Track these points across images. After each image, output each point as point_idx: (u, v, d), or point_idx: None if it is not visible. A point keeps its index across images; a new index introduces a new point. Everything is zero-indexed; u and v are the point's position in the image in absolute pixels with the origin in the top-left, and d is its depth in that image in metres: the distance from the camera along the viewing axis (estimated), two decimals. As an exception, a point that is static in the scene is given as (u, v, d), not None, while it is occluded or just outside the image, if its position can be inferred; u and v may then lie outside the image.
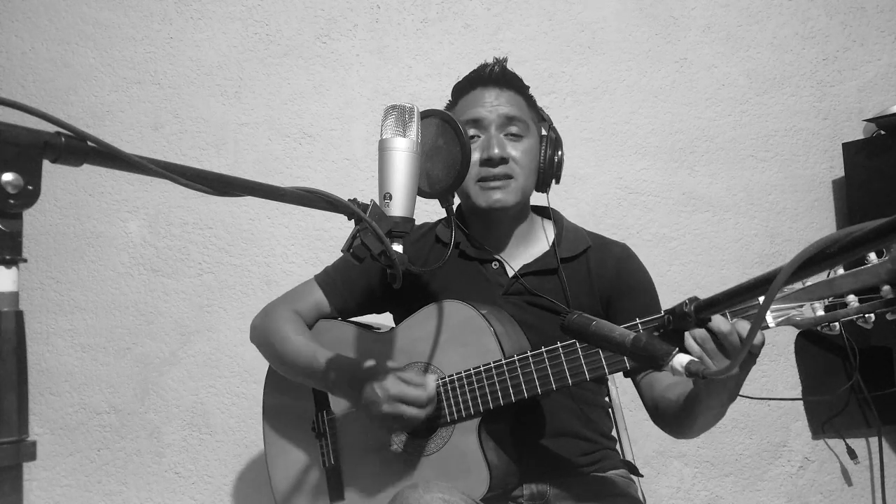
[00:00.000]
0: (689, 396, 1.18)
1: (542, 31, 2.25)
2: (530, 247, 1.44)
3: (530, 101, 1.44)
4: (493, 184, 1.35)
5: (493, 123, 1.36)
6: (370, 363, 1.30)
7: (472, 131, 1.37)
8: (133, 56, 2.21)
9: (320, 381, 1.38)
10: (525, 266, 1.40)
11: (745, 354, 0.76)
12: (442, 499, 1.08)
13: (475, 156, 1.35)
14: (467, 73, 1.45)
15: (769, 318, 0.99)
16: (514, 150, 1.36)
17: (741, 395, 1.13)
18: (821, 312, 0.96)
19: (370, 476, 1.37)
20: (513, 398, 1.23)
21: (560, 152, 1.42)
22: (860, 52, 2.32)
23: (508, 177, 1.35)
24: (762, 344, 0.98)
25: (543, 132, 1.43)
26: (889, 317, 0.92)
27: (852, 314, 0.93)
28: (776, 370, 2.21)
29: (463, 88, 1.43)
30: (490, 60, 1.43)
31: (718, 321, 0.94)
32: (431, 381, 1.25)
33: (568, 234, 1.44)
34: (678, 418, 1.24)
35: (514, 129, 1.37)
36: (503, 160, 1.34)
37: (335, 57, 2.23)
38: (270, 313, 1.45)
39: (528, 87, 1.44)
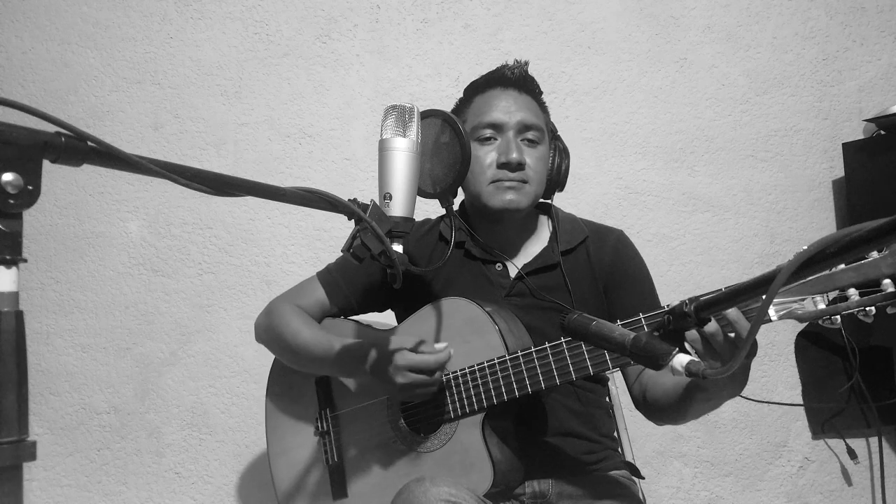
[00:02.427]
0: (688, 388, 1.19)
1: (542, 31, 2.25)
2: (530, 245, 1.45)
3: (544, 109, 1.45)
4: (507, 184, 1.35)
5: (513, 129, 1.36)
6: (383, 344, 1.31)
7: (488, 133, 1.37)
8: (133, 56, 2.21)
9: (335, 368, 1.39)
10: (525, 266, 1.40)
11: (745, 353, 0.76)
12: (448, 492, 1.09)
13: (490, 157, 1.35)
14: (470, 75, 1.45)
15: (771, 311, 0.99)
16: (529, 157, 1.36)
17: (741, 397, 1.14)
18: (822, 306, 0.96)
19: (373, 473, 1.38)
20: (516, 393, 1.24)
21: (567, 162, 1.44)
22: (860, 52, 2.32)
23: (523, 182, 1.36)
24: (754, 353, 0.98)
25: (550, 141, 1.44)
26: (889, 310, 0.92)
27: (853, 307, 0.93)
28: (776, 370, 2.21)
29: (479, 87, 1.43)
30: (510, 62, 1.42)
31: (712, 325, 0.94)
32: (442, 346, 1.28)
33: (565, 226, 1.45)
34: (671, 407, 1.25)
35: (530, 136, 1.38)
36: (520, 165, 1.35)
37: (335, 57, 2.23)
38: (276, 309, 1.46)
39: (542, 94, 1.44)
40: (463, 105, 1.45)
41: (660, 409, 1.30)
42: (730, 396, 1.12)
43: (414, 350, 1.27)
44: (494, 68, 1.43)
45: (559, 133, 1.47)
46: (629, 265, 1.43)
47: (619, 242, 1.45)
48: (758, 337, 0.79)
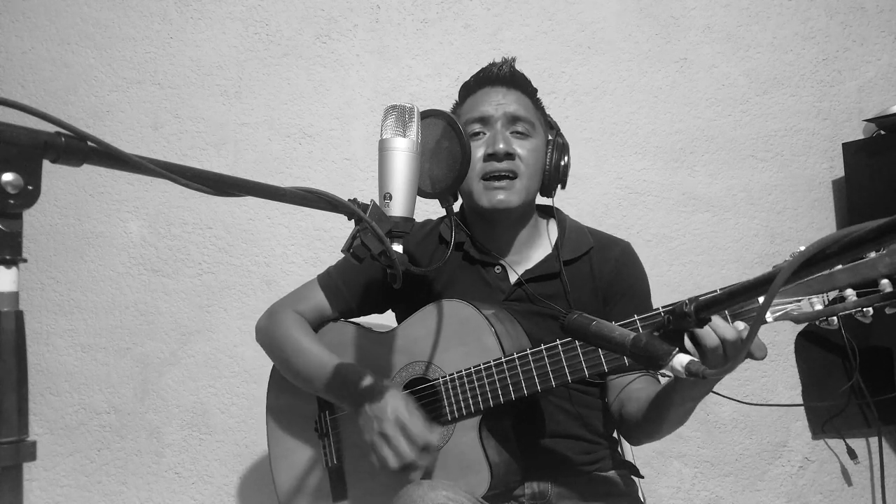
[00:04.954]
0: (658, 395, 1.22)
1: (542, 31, 2.25)
2: (533, 250, 1.44)
3: (538, 104, 1.43)
4: (496, 183, 1.34)
5: (499, 121, 1.36)
6: (377, 382, 1.27)
7: (477, 128, 1.36)
8: (133, 56, 2.21)
9: (326, 393, 1.37)
10: (527, 272, 1.39)
11: (745, 353, 0.76)
12: (447, 496, 1.08)
13: (479, 151, 1.35)
14: (472, 72, 1.45)
15: (767, 313, 0.99)
16: (519, 148, 1.35)
17: (742, 402, 1.15)
18: (819, 307, 0.96)
19: (372, 475, 1.38)
20: (513, 396, 1.24)
21: (566, 158, 1.41)
22: (860, 52, 2.32)
23: (513, 174, 1.34)
24: (763, 356, 1.00)
25: (550, 137, 1.42)
26: (888, 311, 0.92)
27: (850, 308, 0.92)
28: (776, 370, 2.21)
29: (470, 87, 1.43)
30: (498, 60, 1.42)
31: (723, 329, 0.95)
32: (434, 439, 1.20)
33: (571, 234, 1.43)
34: (648, 417, 1.27)
35: (520, 129, 1.37)
36: (508, 155, 1.33)
37: (335, 57, 2.23)
38: (277, 316, 1.45)
39: (535, 91, 1.43)
40: (457, 107, 1.45)
41: (636, 423, 1.31)
42: (705, 394, 1.17)
43: (403, 426, 1.19)
44: (483, 67, 1.42)
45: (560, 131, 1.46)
46: (628, 278, 1.42)
47: (623, 255, 1.44)
48: (758, 337, 0.79)
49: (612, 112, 2.25)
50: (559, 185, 1.42)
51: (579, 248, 1.41)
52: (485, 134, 1.36)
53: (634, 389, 1.35)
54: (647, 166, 2.24)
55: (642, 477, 1.47)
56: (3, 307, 0.63)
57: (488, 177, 1.34)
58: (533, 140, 1.38)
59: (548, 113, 1.47)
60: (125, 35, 2.22)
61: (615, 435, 1.51)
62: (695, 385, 1.11)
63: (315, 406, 1.46)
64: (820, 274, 0.92)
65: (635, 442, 1.42)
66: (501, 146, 1.33)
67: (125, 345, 2.15)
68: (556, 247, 1.42)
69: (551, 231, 1.47)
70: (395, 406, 1.20)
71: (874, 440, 2.19)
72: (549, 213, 1.50)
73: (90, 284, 2.17)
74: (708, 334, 0.95)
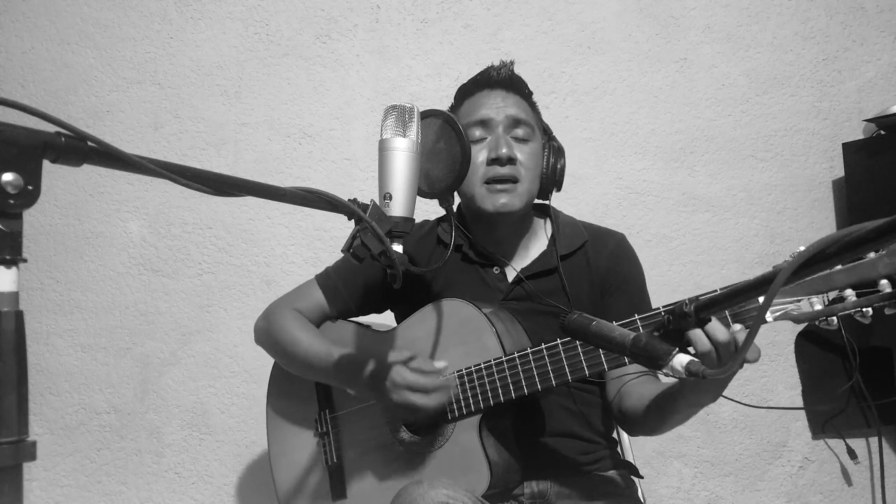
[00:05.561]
0: (663, 397, 1.20)
1: (542, 31, 2.25)
2: (530, 248, 1.44)
3: (534, 108, 1.44)
4: (499, 186, 1.34)
5: (501, 125, 1.36)
6: (381, 357, 1.30)
7: (478, 132, 1.36)
8: (133, 56, 2.21)
9: (332, 379, 1.38)
10: (524, 270, 1.40)
11: (744, 355, 0.76)
12: (446, 495, 1.09)
13: (482, 156, 1.35)
14: (470, 74, 1.45)
15: (766, 313, 0.99)
16: (520, 153, 1.36)
17: (741, 403, 1.14)
18: (818, 307, 0.96)
19: (372, 473, 1.38)
20: (513, 395, 1.24)
21: (562, 161, 1.42)
22: (860, 52, 2.32)
23: (515, 179, 1.35)
24: (756, 359, 0.98)
25: (543, 140, 1.43)
26: (887, 311, 0.91)
27: (850, 308, 0.92)
28: (776, 370, 2.21)
29: (468, 90, 1.43)
30: (496, 63, 1.42)
31: (717, 331, 0.94)
32: (441, 365, 1.26)
33: (565, 229, 1.44)
34: (647, 417, 1.26)
35: (520, 133, 1.37)
36: (511, 160, 1.34)
37: (335, 57, 2.23)
38: (275, 314, 1.46)
39: (531, 94, 1.44)
40: (453, 110, 1.45)
41: (636, 418, 1.31)
42: (712, 400, 1.13)
43: (411, 366, 1.25)
44: (480, 70, 1.43)
45: (555, 134, 1.46)
46: (624, 269, 1.42)
47: (619, 247, 1.45)
48: (758, 337, 0.79)
49: (612, 112, 2.25)
50: (555, 188, 1.43)
51: (574, 242, 1.42)
52: (486, 138, 1.36)
53: (634, 384, 1.35)
54: (647, 166, 2.24)
55: (642, 477, 1.47)
56: (3, 307, 0.63)
57: (491, 181, 1.35)
58: (532, 144, 1.38)
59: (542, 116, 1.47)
60: (125, 35, 2.22)
61: (615, 435, 1.51)
62: (701, 391, 1.09)
63: (315, 405, 1.46)
64: (819, 274, 0.92)
65: (633, 434, 1.42)
66: (504, 151, 1.33)
67: (125, 345, 2.15)
68: (552, 242, 1.42)
69: (547, 229, 1.48)
70: (393, 376, 1.23)
71: (874, 440, 2.19)
72: (544, 211, 1.50)
73: (90, 284, 2.17)
74: (700, 339, 0.93)
